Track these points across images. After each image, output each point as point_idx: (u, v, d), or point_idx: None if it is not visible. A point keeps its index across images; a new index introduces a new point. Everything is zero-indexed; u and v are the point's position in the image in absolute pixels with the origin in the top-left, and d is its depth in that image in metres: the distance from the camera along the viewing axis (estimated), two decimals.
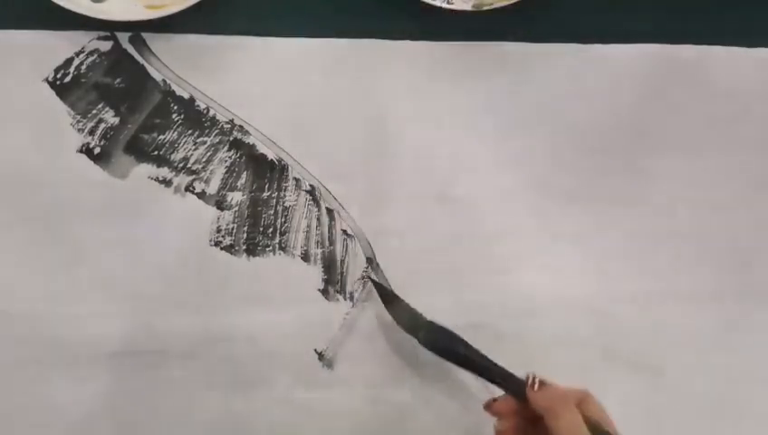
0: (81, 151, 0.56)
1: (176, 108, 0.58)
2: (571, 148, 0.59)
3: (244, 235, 0.56)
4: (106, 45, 0.58)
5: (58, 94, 0.57)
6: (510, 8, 0.58)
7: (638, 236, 0.58)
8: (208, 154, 0.57)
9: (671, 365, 0.56)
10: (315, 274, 0.56)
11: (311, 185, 0.57)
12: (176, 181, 0.57)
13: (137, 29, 0.58)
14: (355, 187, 0.57)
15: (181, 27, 0.58)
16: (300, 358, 0.55)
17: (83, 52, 0.57)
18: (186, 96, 0.58)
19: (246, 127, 0.58)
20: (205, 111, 0.58)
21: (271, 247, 0.56)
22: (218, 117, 0.58)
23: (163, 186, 0.56)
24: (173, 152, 0.57)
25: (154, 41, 0.58)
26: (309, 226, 0.57)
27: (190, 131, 0.57)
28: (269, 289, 0.55)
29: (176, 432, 0.54)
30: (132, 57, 0.58)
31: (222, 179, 0.57)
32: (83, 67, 0.57)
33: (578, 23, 0.60)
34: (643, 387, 0.56)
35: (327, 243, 0.56)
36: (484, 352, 0.51)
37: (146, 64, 0.58)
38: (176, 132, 0.57)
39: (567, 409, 0.46)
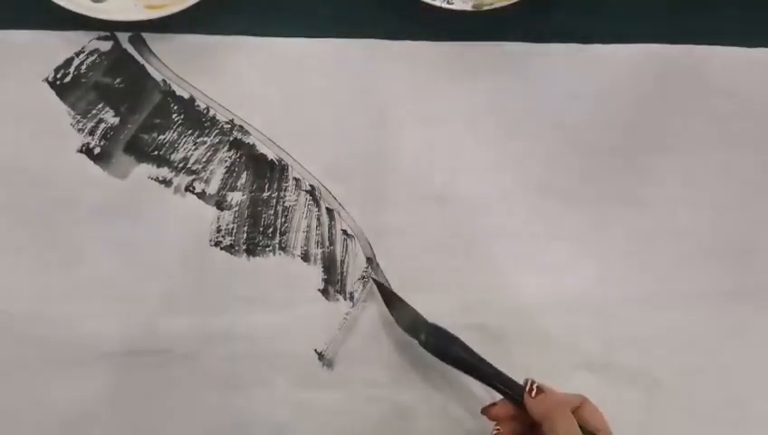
0: (81, 151, 0.56)
1: (176, 108, 0.58)
2: (571, 148, 0.59)
3: (244, 235, 0.56)
4: (106, 45, 0.58)
5: (58, 94, 0.57)
6: (510, 8, 0.58)
7: (638, 236, 0.58)
8: (208, 154, 0.57)
9: (671, 365, 0.56)
10: (315, 274, 0.56)
11: (311, 185, 0.57)
12: (176, 181, 0.57)
13: (137, 29, 0.58)
14: (355, 187, 0.57)
15: (181, 27, 0.58)
16: (300, 358, 0.55)
17: (83, 52, 0.57)
18: (186, 96, 0.58)
19: (246, 127, 0.58)
20: (205, 111, 0.58)
21: (271, 247, 0.56)
22: (218, 117, 0.58)
23: (163, 186, 0.56)
24: (173, 152, 0.57)
25: (154, 41, 0.58)
26: (309, 226, 0.57)
27: (190, 131, 0.57)
28: (269, 289, 0.55)
29: (176, 432, 0.53)
30: (132, 57, 0.58)
31: (222, 179, 0.57)
32: (83, 67, 0.57)
33: (578, 23, 0.60)
34: (643, 387, 0.55)
35: (327, 243, 0.56)
36: (483, 352, 0.51)
37: (146, 64, 0.58)
38: (176, 132, 0.57)
39: (563, 416, 0.46)
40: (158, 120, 0.57)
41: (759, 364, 0.56)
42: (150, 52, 0.58)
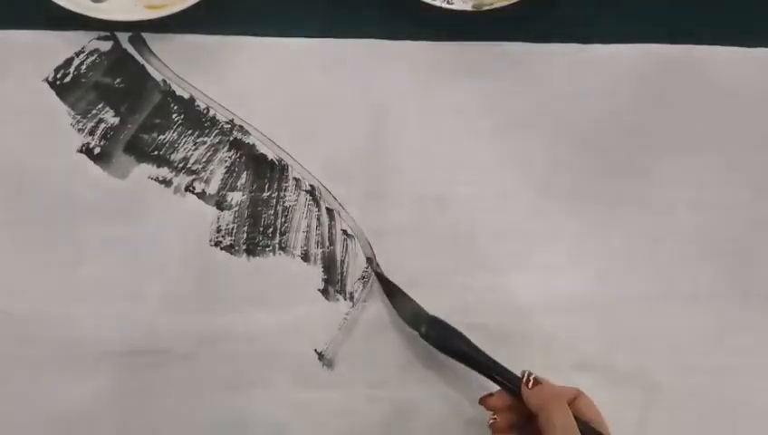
0: (81, 151, 0.56)
1: (176, 108, 0.58)
2: (571, 148, 0.59)
3: (244, 235, 0.56)
4: (106, 45, 0.58)
5: (58, 94, 0.57)
6: (510, 8, 0.58)
7: (638, 236, 0.58)
8: (208, 154, 0.57)
9: (670, 365, 0.56)
10: (315, 274, 0.56)
11: (311, 185, 0.57)
12: (176, 181, 0.57)
13: (137, 29, 0.58)
14: (355, 187, 0.57)
15: (181, 27, 0.58)
16: (300, 358, 0.55)
17: (83, 52, 0.58)
18: (186, 96, 0.58)
19: (246, 127, 0.58)
20: (205, 111, 0.58)
21: (271, 247, 0.56)
22: (218, 117, 0.58)
23: (163, 186, 0.56)
24: (173, 152, 0.57)
25: (154, 41, 0.58)
26: (309, 226, 0.57)
27: (190, 131, 0.57)
28: (269, 289, 0.55)
29: (176, 432, 0.53)
30: (132, 57, 0.58)
31: (222, 179, 0.57)
32: (83, 67, 0.57)
33: (578, 23, 0.60)
34: (642, 387, 0.55)
35: (327, 243, 0.56)
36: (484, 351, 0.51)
37: (146, 64, 0.58)
38: (176, 132, 0.57)
39: (559, 407, 0.47)
40: (158, 120, 0.57)
41: (759, 364, 0.56)
42: (150, 52, 0.58)
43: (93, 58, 0.58)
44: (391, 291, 0.55)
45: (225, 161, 0.57)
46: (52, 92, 0.57)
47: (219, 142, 0.57)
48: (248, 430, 0.54)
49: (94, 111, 0.57)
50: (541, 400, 0.48)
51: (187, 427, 0.54)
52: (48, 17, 0.56)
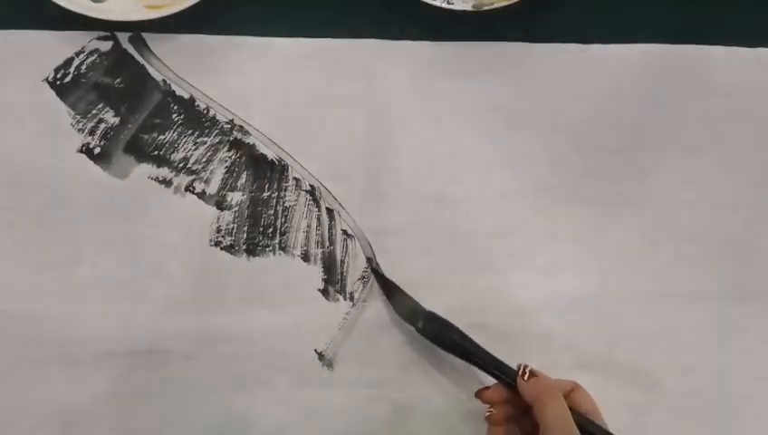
0: (81, 151, 0.56)
1: (176, 108, 0.58)
2: (571, 148, 0.59)
3: (244, 235, 0.56)
4: (106, 45, 0.58)
5: (58, 94, 0.57)
6: (510, 8, 0.58)
7: (638, 236, 0.58)
8: (208, 154, 0.57)
9: (671, 365, 0.56)
10: (315, 274, 0.56)
11: (311, 185, 0.57)
12: (176, 181, 0.57)
13: (137, 29, 0.58)
14: (355, 187, 0.57)
15: (181, 27, 0.58)
16: (300, 358, 0.55)
17: (83, 52, 0.58)
18: (186, 96, 0.58)
19: (246, 127, 0.58)
20: (205, 111, 0.58)
21: (271, 247, 0.56)
22: (218, 117, 0.58)
23: (163, 186, 0.56)
24: (173, 152, 0.57)
25: (154, 41, 0.58)
26: (309, 226, 0.57)
27: (190, 131, 0.57)
28: (269, 289, 0.55)
29: (176, 432, 0.53)
30: (132, 57, 0.58)
31: (222, 179, 0.57)
32: (83, 67, 0.57)
33: (578, 23, 0.60)
34: (642, 387, 0.55)
35: (327, 243, 0.56)
36: None
37: (146, 64, 0.58)
38: (176, 132, 0.57)
39: (554, 398, 0.47)
40: (158, 120, 0.57)
41: (758, 364, 0.56)
42: (150, 52, 0.58)
43: (93, 58, 0.58)
44: (388, 287, 0.55)
45: (225, 161, 0.57)
46: (52, 92, 0.57)
47: (219, 142, 0.57)
48: (248, 430, 0.54)
49: (94, 111, 0.57)
50: (535, 391, 0.48)
51: (187, 427, 0.54)
52: (48, 17, 0.56)
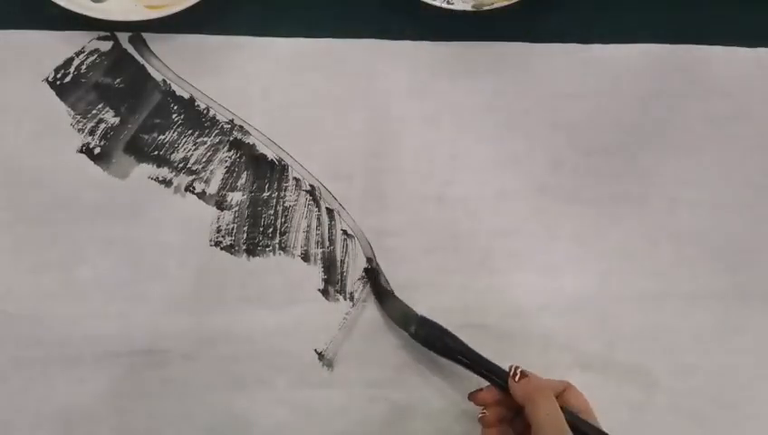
0: (81, 151, 0.56)
1: (176, 108, 0.58)
2: (571, 148, 0.59)
3: (244, 235, 0.56)
4: (106, 45, 0.58)
5: (58, 94, 0.57)
6: (510, 8, 0.58)
7: (638, 236, 0.58)
8: (208, 154, 0.57)
9: (670, 365, 0.56)
10: (315, 274, 0.56)
11: (311, 185, 0.57)
12: (176, 181, 0.57)
13: (137, 29, 0.58)
14: (355, 187, 0.57)
15: (181, 27, 0.58)
16: (300, 358, 0.55)
17: (83, 52, 0.58)
18: (186, 96, 0.58)
19: (246, 127, 0.58)
20: (205, 111, 0.58)
21: (271, 247, 0.56)
22: (218, 117, 0.58)
23: (163, 186, 0.56)
24: (173, 152, 0.57)
25: (154, 41, 0.58)
26: (309, 226, 0.57)
27: (190, 131, 0.57)
28: (269, 289, 0.55)
29: (176, 432, 0.53)
30: (132, 57, 0.58)
31: (222, 179, 0.57)
32: (83, 67, 0.57)
33: (578, 23, 0.60)
34: (642, 387, 0.55)
35: (327, 243, 0.56)
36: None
37: (146, 64, 0.58)
38: (176, 132, 0.57)
39: (545, 398, 0.47)
40: (158, 120, 0.57)
41: (758, 364, 0.56)
42: (150, 52, 0.58)
43: (93, 58, 0.58)
44: (380, 293, 0.55)
45: (225, 161, 0.57)
46: (52, 92, 0.57)
47: (219, 142, 0.57)
48: (248, 430, 0.54)
49: (94, 111, 0.57)
50: (527, 391, 0.48)
51: (187, 427, 0.54)
52: (48, 17, 0.57)
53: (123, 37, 0.58)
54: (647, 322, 0.56)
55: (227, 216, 0.56)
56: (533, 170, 0.58)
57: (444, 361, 0.53)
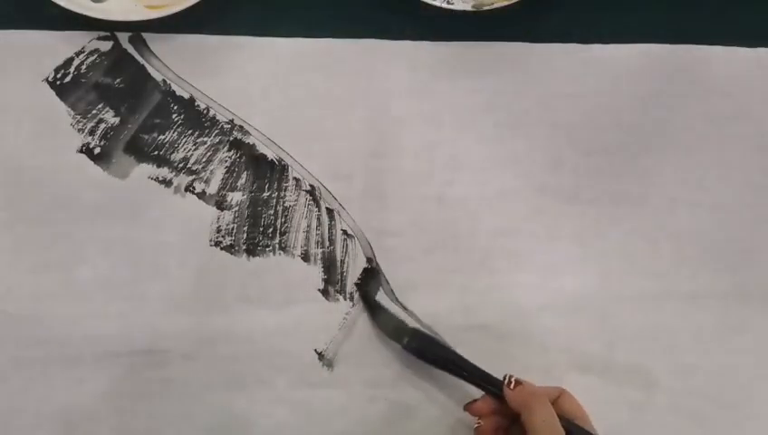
0: (81, 151, 0.56)
1: (176, 108, 0.58)
2: (571, 148, 0.59)
3: (244, 235, 0.56)
4: (106, 45, 0.58)
5: (58, 94, 0.57)
6: (510, 8, 0.58)
7: (638, 236, 0.58)
8: (208, 154, 0.57)
9: (670, 366, 0.56)
10: (315, 274, 0.56)
11: (311, 185, 0.57)
12: (176, 181, 0.57)
13: (137, 29, 0.58)
14: (355, 187, 0.57)
15: (181, 27, 0.58)
16: (300, 358, 0.55)
17: (83, 52, 0.58)
18: (186, 96, 0.58)
19: (246, 127, 0.58)
20: (205, 111, 0.58)
21: (271, 247, 0.56)
22: (218, 117, 0.58)
23: (163, 186, 0.56)
24: (173, 152, 0.57)
25: (154, 41, 0.58)
26: (309, 226, 0.57)
27: (190, 131, 0.57)
28: (269, 289, 0.55)
29: (175, 432, 0.53)
30: (132, 57, 0.58)
31: (222, 179, 0.57)
32: (83, 67, 0.57)
33: (578, 23, 0.60)
34: (642, 387, 0.55)
35: (327, 243, 0.56)
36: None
37: (146, 64, 0.58)
38: (176, 132, 0.57)
39: (541, 404, 0.47)
40: (158, 120, 0.57)
41: (758, 364, 0.56)
42: (150, 52, 0.58)
43: (93, 58, 0.58)
44: (371, 306, 0.55)
45: (225, 161, 0.57)
46: (52, 92, 0.57)
47: (219, 142, 0.57)
48: (248, 430, 0.54)
49: (94, 111, 0.57)
50: (522, 399, 0.48)
51: (187, 427, 0.54)
52: (48, 17, 0.57)
53: (123, 37, 0.58)
54: (647, 322, 0.56)
55: (227, 216, 0.56)
56: (533, 170, 0.58)
57: None
